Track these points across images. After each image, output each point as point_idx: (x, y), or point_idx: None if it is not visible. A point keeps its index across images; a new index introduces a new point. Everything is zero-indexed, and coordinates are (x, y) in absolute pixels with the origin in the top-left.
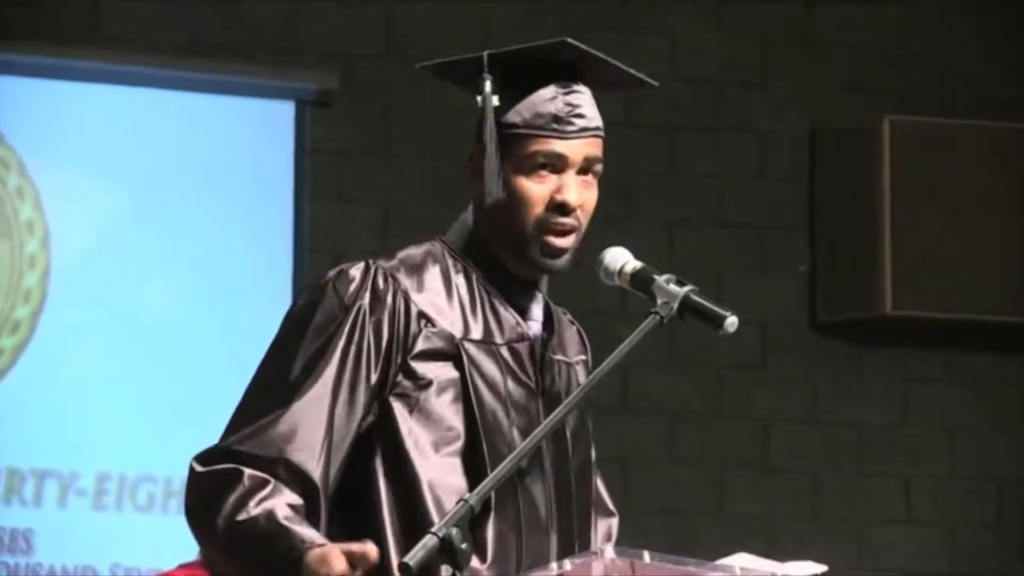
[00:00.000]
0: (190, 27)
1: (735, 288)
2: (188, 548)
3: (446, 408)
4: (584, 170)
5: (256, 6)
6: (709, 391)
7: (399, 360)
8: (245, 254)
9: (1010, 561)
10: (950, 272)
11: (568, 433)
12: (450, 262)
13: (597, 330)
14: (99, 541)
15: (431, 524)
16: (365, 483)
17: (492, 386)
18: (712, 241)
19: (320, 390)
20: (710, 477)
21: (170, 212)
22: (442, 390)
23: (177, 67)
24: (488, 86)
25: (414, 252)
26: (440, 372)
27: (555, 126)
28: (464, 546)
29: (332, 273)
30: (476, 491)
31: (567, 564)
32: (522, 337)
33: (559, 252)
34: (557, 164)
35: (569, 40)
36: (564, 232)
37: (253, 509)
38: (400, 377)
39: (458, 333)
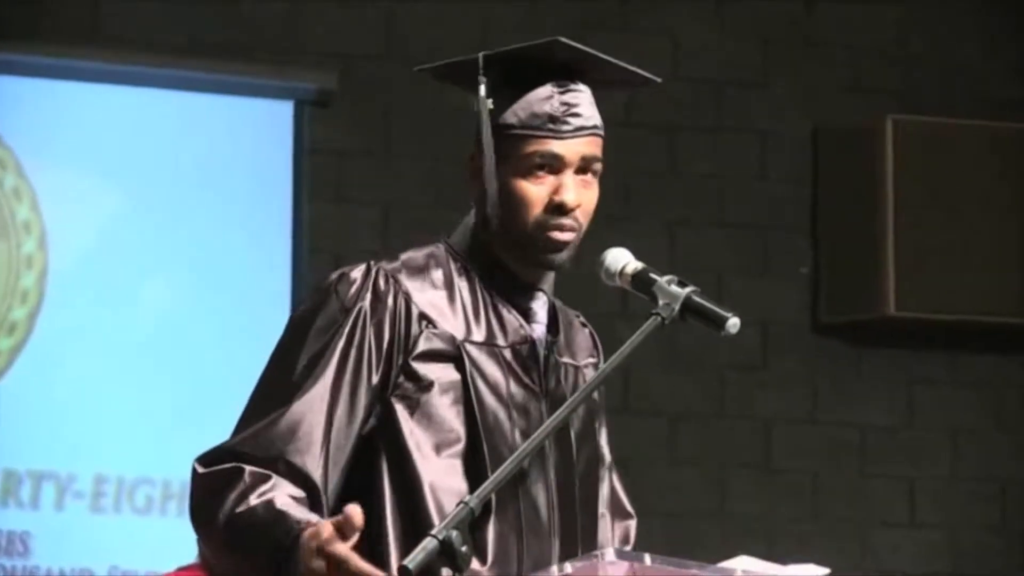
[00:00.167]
0: (189, 27)
1: (736, 289)
2: (186, 550)
3: (447, 410)
4: (582, 170)
5: (255, 6)
6: (710, 392)
7: (400, 361)
8: (244, 254)
9: (1014, 563)
10: (953, 273)
11: (573, 436)
12: (453, 264)
13: (598, 331)
14: (97, 544)
15: (432, 526)
16: (368, 484)
17: (494, 388)
18: (713, 242)
19: (320, 391)
20: (711, 478)
21: (168, 212)
22: (443, 392)
23: (176, 67)
24: (483, 88)
25: (416, 254)
26: (441, 373)
27: (551, 126)
28: (464, 548)
29: (334, 276)
30: (476, 493)
31: (568, 567)
32: (525, 339)
33: (559, 247)
34: (554, 164)
35: (561, 39)
36: (562, 229)
37: (253, 501)
38: (401, 378)
39: (460, 335)
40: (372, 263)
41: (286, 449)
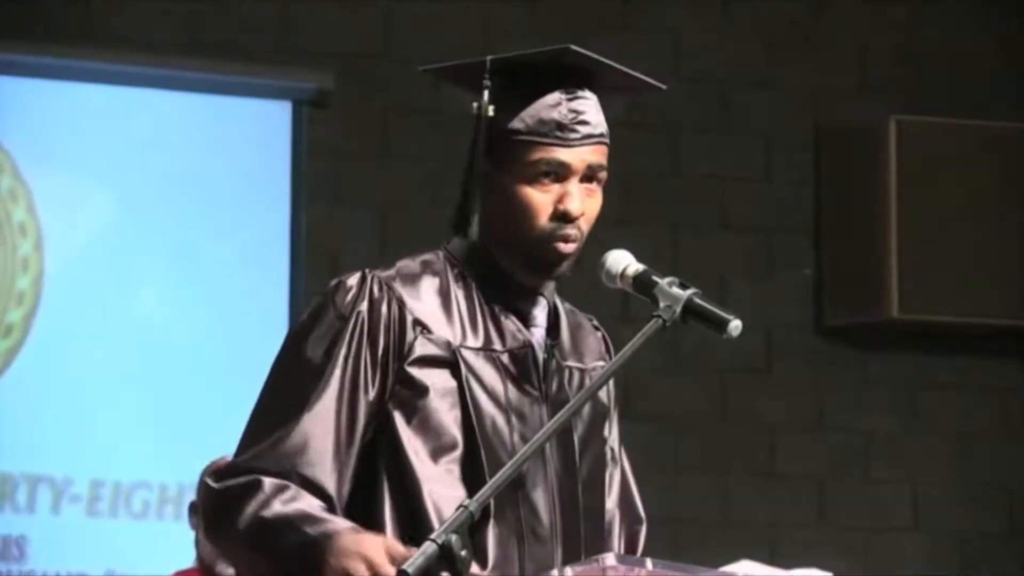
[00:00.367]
0: (186, 27)
1: (739, 291)
2: (183, 555)
3: (444, 415)
4: (588, 178)
5: (253, 6)
6: (713, 396)
7: (396, 368)
8: (241, 255)
9: (1021, 569)
10: (958, 275)
11: (576, 439)
12: (450, 272)
13: None
14: (93, 548)
15: (431, 531)
16: (369, 491)
17: (491, 393)
18: (715, 243)
19: (327, 403)
20: (714, 484)
21: (165, 213)
22: (440, 397)
23: (173, 67)
24: (487, 93)
25: (412, 262)
26: (437, 379)
27: (558, 133)
28: (463, 553)
29: (331, 285)
30: (476, 497)
31: (568, 572)
32: (524, 344)
33: (561, 258)
34: (560, 172)
35: (572, 47)
36: (566, 240)
37: (282, 506)
38: (398, 385)
39: (456, 341)
40: (367, 271)
41: (298, 463)
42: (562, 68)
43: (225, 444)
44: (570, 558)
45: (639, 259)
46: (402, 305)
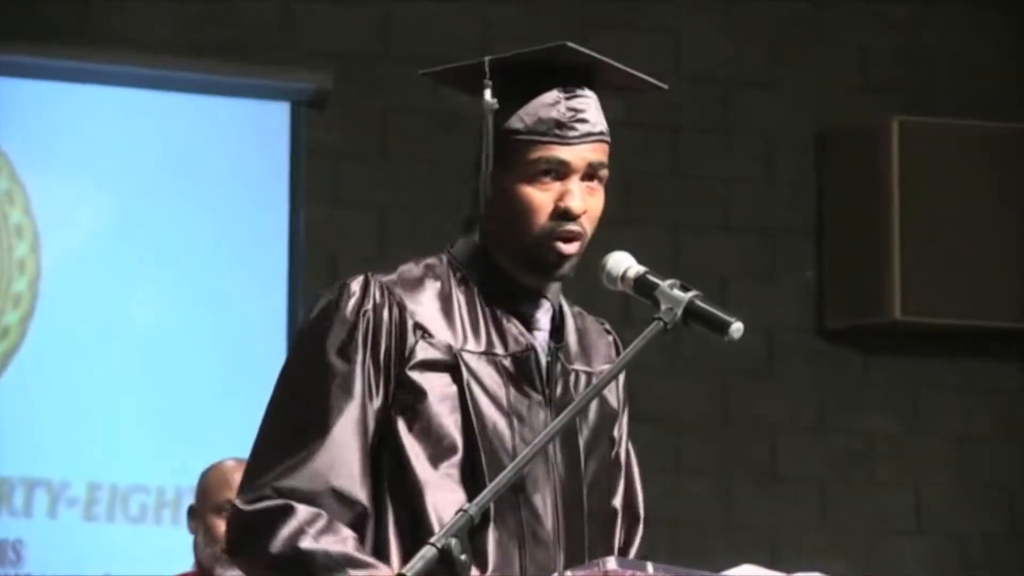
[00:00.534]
0: (183, 26)
1: (741, 293)
2: (181, 559)
3: (445, 420)
4: (588, 176)
5: (251, 6)
6: (714, 398)
7: (397, 372)
8: (239, 257)
9: (1023, 572)
10: (961, 277)
11: (582, 443)
12: (452, 276)
13: None
14: (90, 552)
15: (432, 536)
16: (373, 496)
17: (493, 397)
18: (717, 245)
19: (351, 411)
20: (716, 486)
21: (163, 215)
22: (441, 401)
23: (170, 67)
24: (488, 93)
25: (414, 266)
26: (438, 383)
27: (557, 131)
28: (463, 556)
29: (334, 288)
30: (476, 501)
31: (568, 575)
32: (527, 347)
33: (563, 258)
34: (560, 170)
35: (569, 44)
36: (569, 239)
37: (316, 538)
38: (399, 390)
39: (457, 344)
40: (369, 275)
41: (331, 477)
42: (560, 66)
43: (224, 446)
44: (572, 562)
45: (640, 261)
46: (403, 309)
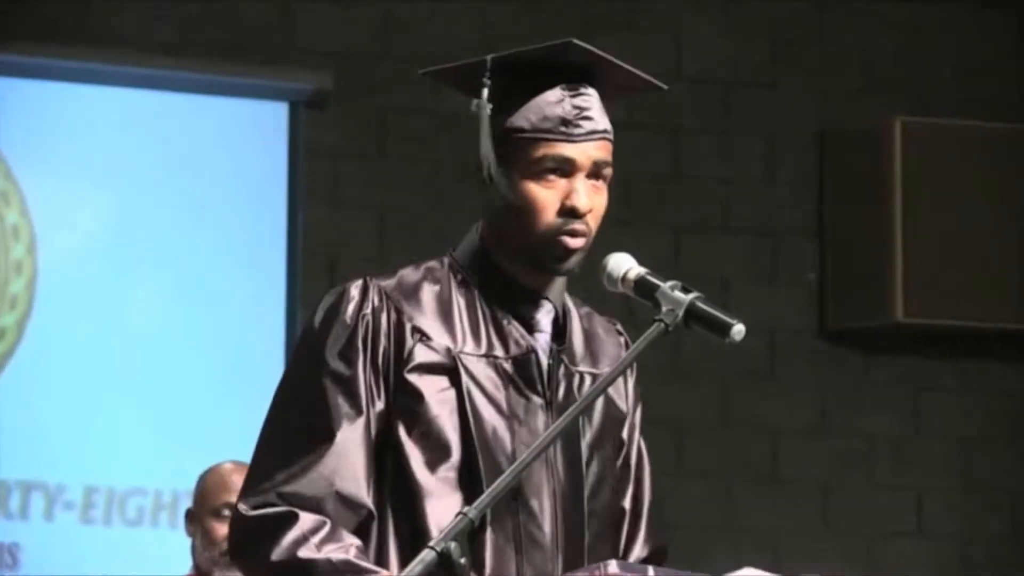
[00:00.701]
0: (182, 26)
1: (741, 294)
2: (178, 562)
3: (444, 422)
4: (593, 174)
5: (249, 5)
6: (715, 400)
7: (396, 375)
8: (238, 258)
9: None
10: (963, 278)
11: (584, 446)
12: (453, 279)
13: None
14: (87, 555)
15: (431, 539)
16: (375, 497)
17: (492, 400)
18: (718, 246)
19: (354, 415)
20: (717, 489)
21: (161, 216)
22: (439, 404)
23: (169, 67)
24: (486, 92)
25: (413, 271)
26: (436, 386)
27: (563, 129)
28: (463, 560)
29: (334, 293)
30: (475, 504)
31: None
32: (527, 350)
33: (569, 254)
34: (565, 168)
35: (575, 41)
36: (574, 235)
37: (319, 547)
38: (398, 393)
39: (456, 348)
40: (368, 279)
41: (335, 480)
42: (564, 64)
43: (222, 449)
44: (572, 565)
45: (640, 262)
46: (401, 313)
